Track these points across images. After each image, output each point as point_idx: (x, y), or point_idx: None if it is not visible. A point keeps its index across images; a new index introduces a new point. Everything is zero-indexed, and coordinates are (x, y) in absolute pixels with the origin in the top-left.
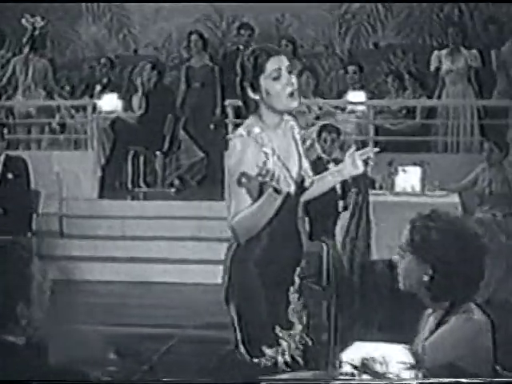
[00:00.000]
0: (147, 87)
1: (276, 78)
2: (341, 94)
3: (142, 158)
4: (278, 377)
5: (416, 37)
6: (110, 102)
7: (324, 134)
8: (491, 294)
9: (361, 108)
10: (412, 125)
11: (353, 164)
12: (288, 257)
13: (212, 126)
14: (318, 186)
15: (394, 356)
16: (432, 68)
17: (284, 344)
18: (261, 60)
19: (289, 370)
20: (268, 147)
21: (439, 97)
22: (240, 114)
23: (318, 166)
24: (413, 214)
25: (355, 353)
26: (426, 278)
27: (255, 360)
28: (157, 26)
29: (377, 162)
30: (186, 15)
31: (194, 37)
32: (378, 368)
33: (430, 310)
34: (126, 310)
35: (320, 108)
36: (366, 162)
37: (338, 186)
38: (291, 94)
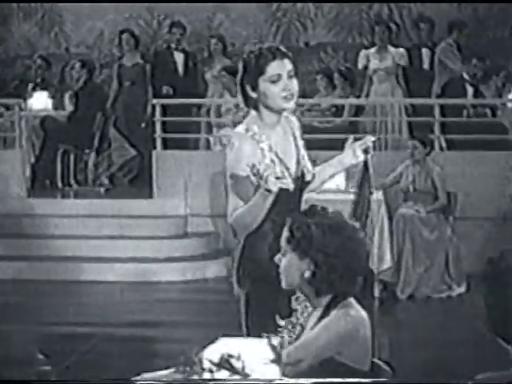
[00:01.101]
0: (77, 85)
1: (274, 82)
2: None
3: (72, 157)
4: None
5: (346, 35)
6: (40, 100)
7: None
8: (414, 289)
9: None
10: (340, 123)
11: (353, 154)
12: None
13: (143, 125)
14: (320, 177)
15: (254, 352)
16: (360, 66)
17: (284, 332)
18: (263, 61)
19: None
20: (265, 144)
21: (367, 95)
22: (166, 113)
23: None
24: None
25: (216, 349)
26: (307, 274)
27: None
28: (88, 24)
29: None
30: (118, 13)
31: (125, 35)
32: (236, 364)
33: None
34: (53, 309)
35: None
36: (365, 151)
37: None
38: (286, 98)
